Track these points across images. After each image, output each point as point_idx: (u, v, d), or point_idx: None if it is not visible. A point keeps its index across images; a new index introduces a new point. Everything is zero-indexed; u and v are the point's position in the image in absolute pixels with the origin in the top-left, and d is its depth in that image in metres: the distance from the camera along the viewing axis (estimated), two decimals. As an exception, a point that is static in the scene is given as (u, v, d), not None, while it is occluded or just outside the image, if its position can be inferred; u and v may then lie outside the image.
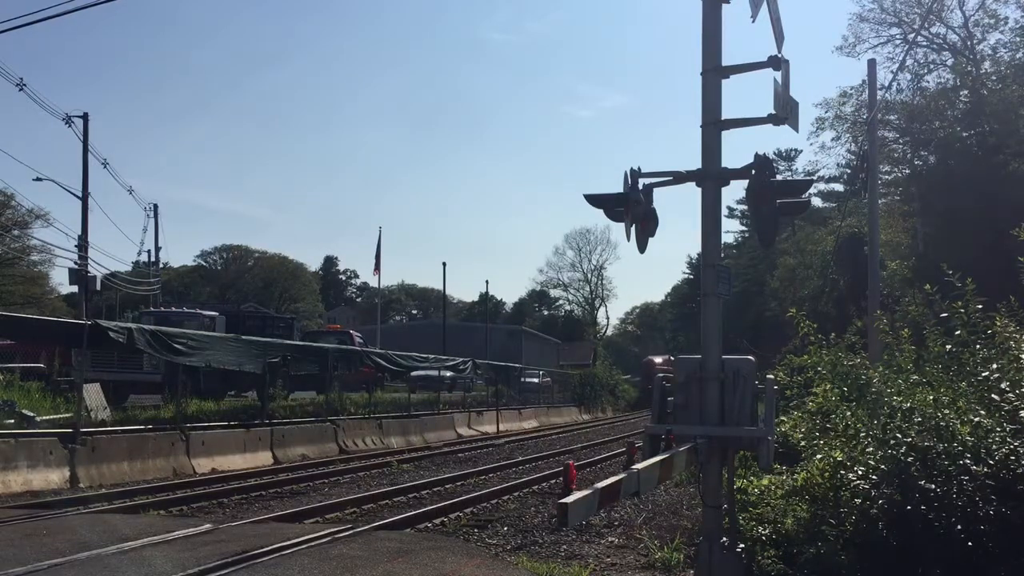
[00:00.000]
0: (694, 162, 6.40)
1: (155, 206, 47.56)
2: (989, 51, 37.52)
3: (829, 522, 6.96)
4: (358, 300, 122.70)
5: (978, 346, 7.89)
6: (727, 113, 6.31)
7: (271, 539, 8.64)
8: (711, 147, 6.28)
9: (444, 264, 59.13)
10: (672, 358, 65.92)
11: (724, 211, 7.51)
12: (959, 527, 6.12)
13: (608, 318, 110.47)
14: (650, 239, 6.64)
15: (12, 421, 16.57)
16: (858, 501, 6.72)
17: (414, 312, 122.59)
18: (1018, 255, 8.73)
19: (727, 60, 6.30)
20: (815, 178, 59.51)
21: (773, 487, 8.20)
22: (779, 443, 9.22)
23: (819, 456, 7.73)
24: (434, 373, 32.59)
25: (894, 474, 6.58)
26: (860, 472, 6.90)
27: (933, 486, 6.33)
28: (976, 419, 6.71)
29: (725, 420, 6.21)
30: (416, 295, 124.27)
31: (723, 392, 6.22)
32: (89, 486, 13.48)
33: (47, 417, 17.62)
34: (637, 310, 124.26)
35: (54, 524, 9.82)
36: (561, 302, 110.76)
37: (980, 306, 8.06)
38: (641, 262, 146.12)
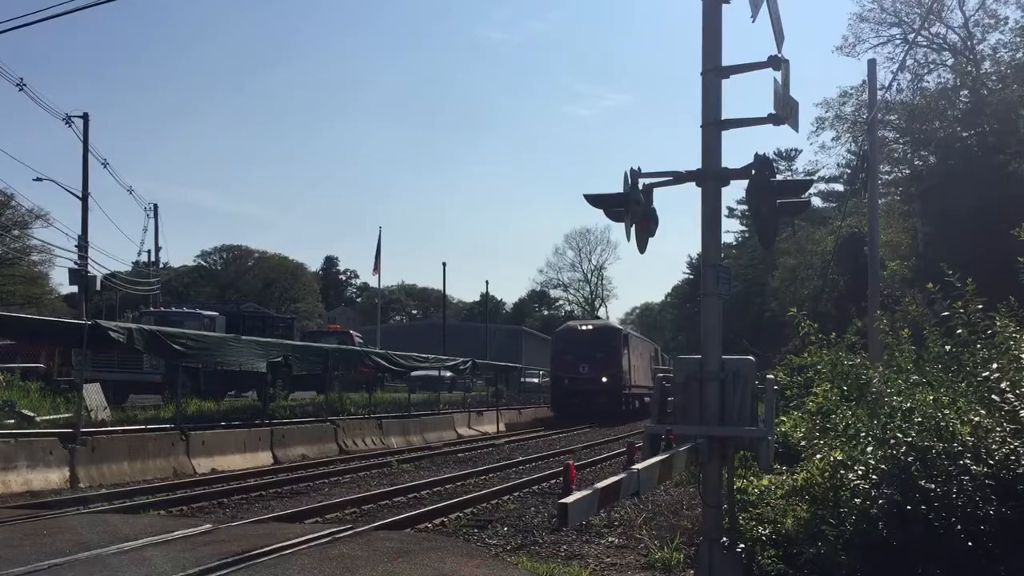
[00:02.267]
0: (694, 162, 6.41)
1: (155, 206, 47.60)
2: (989, 51, 37.53)
3: (829, 522, 6.96)
4: (358, 300, 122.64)
5: (978, 346, 7.89)
6: (727, 113, 6.33)
7: (271, 539, 8.64)
8: (711, 147, 6.28)
9: (444, 264, 59.22)
10: (619, 325, 47.21)
11: (724, 211, 7.54)
12: (959, 527, 6.12)
13: (608, 318, 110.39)
14: (650, 239, 6.65)
15: (12, 421, 16.58)
16: (858, 501, 6.72)
17: (414, 312, 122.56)
18: (1018, 255, 8.73)
19: (727, 60, 6.32)
20: (815, 178, 59.54)
21: (773, 487, 8.20)
22: (779, 443, 9.22)
23: (819, 456, 7.73)
24: (434, 373, 32.61)
25: (894, 474, 6.58)
26: (860, 472, 6.90)
27: (933, 486, 6.34)
28: (976, 419, 6.71)
29: (725, 420, 6.21)
30: (416, 295, 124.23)
31: (723, 392, 6.22)
32: (89, 486, 13.48)
33: (47, 417, 17.63)
34: (637, 310, 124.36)
35: (54, 524, 9.82)
36: (561, 302, 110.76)
37: (980, 306, 8.07)
38: (641, 262, 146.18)
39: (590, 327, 40.58)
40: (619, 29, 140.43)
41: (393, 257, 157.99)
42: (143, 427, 16.89)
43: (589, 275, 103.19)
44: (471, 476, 16.16)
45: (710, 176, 6.32)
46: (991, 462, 6.35)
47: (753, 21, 6.16)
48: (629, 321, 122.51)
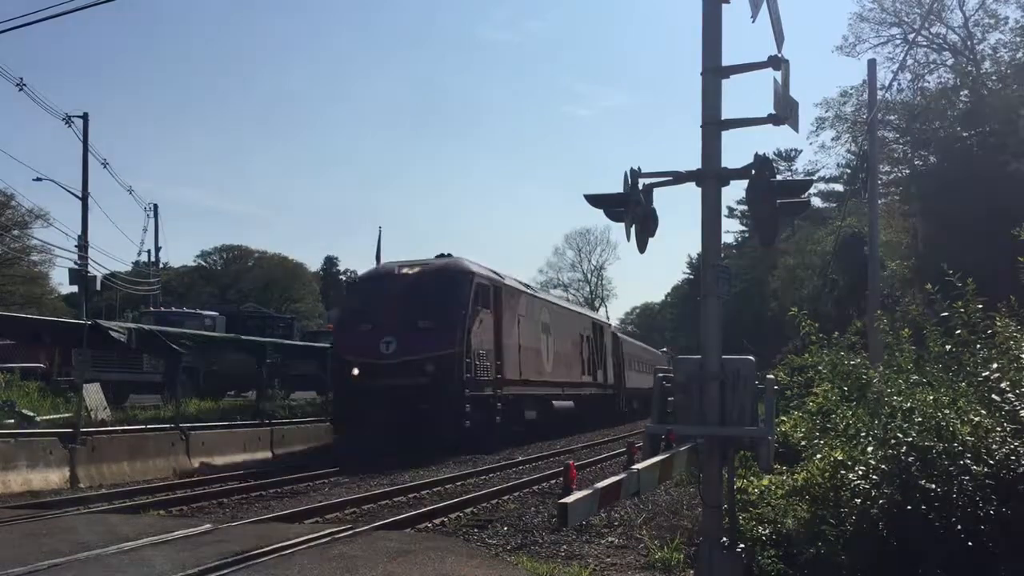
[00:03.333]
0: (694, 162, 6.39)
1: (155, 206, 47.67)
2: (989, 51, 37.60)
3: (829, 522, 6.96)
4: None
5: (978, 346, 7.89)
6: (727, 113, 6.32)
7: (271, 539, 8.64)
8: (711, 147, 6.28)
9: (444, 264, 58.81)
10: (479, 268, 21.90)
11: (724, 211, 7.54)
12: (959, 527, 6.12)
13: (608, 318, 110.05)
14: (650, 239, 6.65)
15: (12, 421, 16.60)
16: (858, 501, 6.72)
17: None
18: (1018, 255, 8.74)
19: (727, 60, 6.31)
20: (815, 178, 59.48)
21: (773, 487, 8.20)
22: (779, 443, 9.22)
23: (819, 456, 7.73)
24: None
25: (894, 474, 6.58)
26: (860, 472, 6.90)
27: (933, 486, 6.34)
28: (976, 419, 6.71)
29: (725, 420, 6.21)
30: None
31: (723, 392, 6.22)
32: (89, 486, 13.49)
33: (47, 417, 17.64)
34: (637, 310, 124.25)
35: (54, 524, 9.83)
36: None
37: (980, 306, 8.07)
38: (641, 262, 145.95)
39: (415, 269, 21.40)
40: (619, 29, 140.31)
41: (393, 257, 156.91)
42: (143, 427, 16.91)
43: (589, 275, 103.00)
44: (471, 476, 16.16)
45: (710, 176, 6.31)
46: (991, 462, 6.35)
47: (753, 21, 6.15)
48: (629, 321, 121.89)
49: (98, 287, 39.32)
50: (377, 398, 18.69)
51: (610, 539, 9.95)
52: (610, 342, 36.76)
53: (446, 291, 20.19)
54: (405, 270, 21.47)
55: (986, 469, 6.31)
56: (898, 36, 39.68)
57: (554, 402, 26.45)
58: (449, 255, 22.45)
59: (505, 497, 13.50)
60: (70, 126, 35.06)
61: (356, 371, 19.40)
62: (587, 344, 32.11)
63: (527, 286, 26.82)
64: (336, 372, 20.51)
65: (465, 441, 19.45)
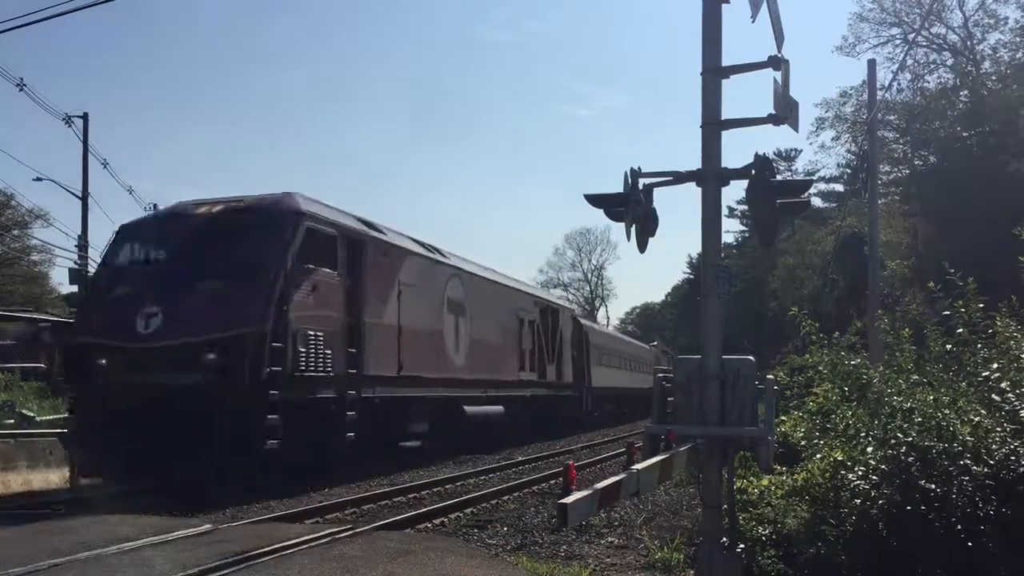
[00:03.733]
0: (694, 162, 6.40)
1: (155, 206, 47.48)
2: (989, 51, 37.66)
3: (829, 522, 6.97)
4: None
5: (979, 346, 7.90)
6: (727, 113, 6.32)
7: (271, 539, 8.64)
8: (711, 147, 6.28)
9: (443, 264, 58.54)
10: (318, 207, 14.59)
11: (724, 211, 7.54)
12: (959, 527, 6.13)
13: (608, 318, 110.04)
14: (650, 239, 6.65)
15: (12, 421, 16.61)
16: (858, 501, 6.72)
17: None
18: (1018, 255, 8.74)
19: (727, 60, 6.31)
20: (815, 178, 59.39)
21: (773, 487, 8.20)
22: (779, 443, 9.23)
23: (819, 456, 7.74)
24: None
25: (894, 474, 6.59)
26: (860, 472, 6.90)
27: (933, 486, 6.34)
28: (976, 419, 6.72)
29: (725, 420, 6.21)
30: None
31: (723, 392, 6.22)
32: (89, 486, 13.48)
33: (47, 417, 17.65)
34: (637, 310, 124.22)
35: (54, 524, 9.83)
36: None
37: (980, 305, 8.08)
38: (641, 262, 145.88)
39: (216, 208, 14.26)
40: (619, 29, 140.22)
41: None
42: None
43: (589, 275, 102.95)
44: (471, 476, 16.16)
45: (710, 176, 6.32)
46: (991, 462, 6.36)
47: (753, 21, 6.16)
48: (629, 321, 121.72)
49: (98, 287, 39.34)
50: (131, 403, 12.09)
51: (610, 539, 9.95)
52: (570, 330, 29.45)
53: (253, 240, 13.30)
54: (201, 210, 14.30)
55: (986, 469, 6.31)
56: (898, 36, 39.74)
57: (467, 408, 20.07)
58: (288, 195, 14.73)
59: (505, 497, 13.51)
60: (70, 126, 34.98)
61: (103, 363, 12.53)
62: (530, 330, 24.95)
63: (431, 248, 19.52)
64: (70, 363, 13.51)
65: (271, 470, 12.98)
